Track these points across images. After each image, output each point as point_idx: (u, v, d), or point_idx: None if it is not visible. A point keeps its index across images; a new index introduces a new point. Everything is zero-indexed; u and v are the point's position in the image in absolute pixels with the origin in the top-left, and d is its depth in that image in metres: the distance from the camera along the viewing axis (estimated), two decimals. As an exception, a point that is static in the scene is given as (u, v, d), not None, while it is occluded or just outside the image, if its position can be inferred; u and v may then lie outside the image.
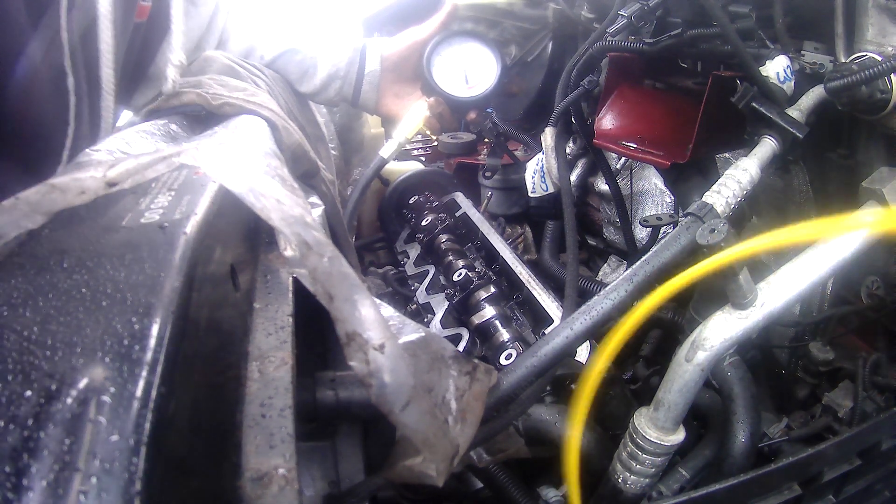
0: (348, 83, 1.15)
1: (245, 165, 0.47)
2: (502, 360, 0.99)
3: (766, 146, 0.81)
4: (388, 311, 0.56)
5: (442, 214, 1.46)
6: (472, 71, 1.25)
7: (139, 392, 0.31)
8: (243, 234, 0.57)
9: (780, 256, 1.10)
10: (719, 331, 0.70)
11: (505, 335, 1.05)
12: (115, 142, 0.59)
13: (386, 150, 1.28)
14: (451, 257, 1.30)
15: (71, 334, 0.34)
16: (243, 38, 1.06)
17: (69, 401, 0.30)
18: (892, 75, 0.75)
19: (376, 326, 0.42)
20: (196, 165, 0.46)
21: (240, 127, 0.69)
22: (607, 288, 0.69)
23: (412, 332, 0.54)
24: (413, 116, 1.23)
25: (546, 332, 1.06)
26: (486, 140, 1.66)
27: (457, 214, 1.48)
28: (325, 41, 1.12)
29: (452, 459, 0.49)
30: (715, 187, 0.77)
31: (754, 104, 0.82)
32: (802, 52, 0.92)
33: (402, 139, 1.26)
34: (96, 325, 0.34)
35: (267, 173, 0.49)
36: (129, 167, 0.43)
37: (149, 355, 0.32)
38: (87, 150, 0.56)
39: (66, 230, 0.43)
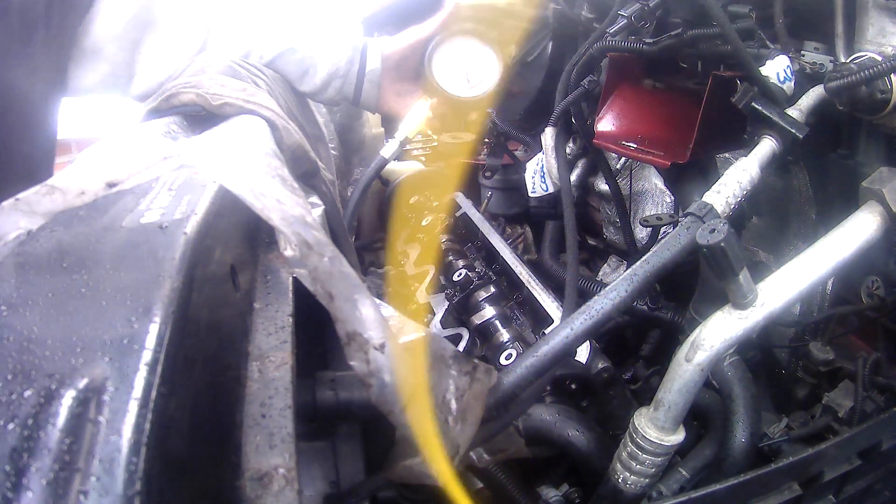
0: (349, 82, 1.15)
1: (245, 165, 0.47)
2: (502, 360, 0.99)
3: (766, 146, 0.81)
4: (388, 310, 0.56)
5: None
6: (474, 70, 1.25)
7: (139, 392, 0.31)
8: (243, 234, 0.57)
9: (780, 256, 1.11)
10: (719, 331, 0.70)
11: (505, 335, 1.05)
12: (115, 141, 0.59)
13: (387, 150, 1.28)
14: (451, 257, 1.30)
15: (71, 334, 0.34)
16: (241, 38, 1.06)
17: (69, 401, 0.30)
18: (892, 75, 0.75)
19: (377, 326, 0.42)
20: (196, 165, 0.46)
21: (240, 127, 0.69)
22: (607, 288, 0.69)
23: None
24: (415, 116, 1.23)
25: (546, 332, 1.06)
26: (486, 140, 1.66)
27: (457, 214, 1.48)
28: (325, 40, 1.12)
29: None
30: (715, 187, 0.77)
31: (754, 104, 0.82)
32: (802, 52, 0.92)
33: (403, 139, 1.26)
34: (96, 325, 0.34)
35: (267, 173, 0.49)
36: (129, 167, 0.43)
37: (149, 355, 0.32)
38: (85, 150, 0.56)
39: (66, 230, 0.43)
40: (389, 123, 1.76)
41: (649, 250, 0.73)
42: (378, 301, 0.54)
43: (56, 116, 0.90)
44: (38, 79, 0.72)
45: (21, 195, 0.43)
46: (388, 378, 0.42)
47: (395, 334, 0.51)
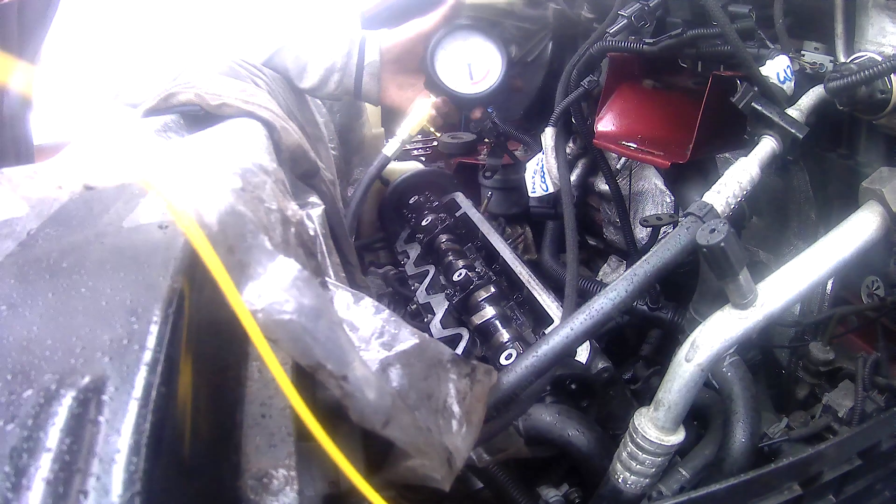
0: (348, 75, 1.15)
1: (211, 193, 0.45)
2: (502, 360, 0.99)
3: (766, 146, 0.81)
4: (384, 314, 0.55)
5: (442, 214, 1.46)
6: (477, 66, 1.24)
7: (139, 392, 0.31)
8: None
9: (780, 256, 1.11)
10: (719, 331, 0.70)
11: (505, 335, 1.05)
12: (103, 139, 0.58)
13: (389, 149, 1.27)
14: (451, 257, 1.30)
15: (71, 334, 0.34)
16: (237, 37, 1.06)
17: (69, 401, 0.30)
18: (892, 75, 0.75)
19: (335, 357, 0.40)
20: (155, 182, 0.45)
21: (230, 133, 0.68)
22: (607, 288, 0.69)
23: (407, 339, 0.53)
24: (416, 114, 1.23)
25: (546, 332, 1.06)
26: (486, 140, 1.66)
27: (457, 214, 1.48)
28: (321, 35, 1.12)
29: (449, 462, 0.49)
30: (715, 187, 0.77)
31: (754, 104, 0.82)
32: (802, 52, 0.92)
33: (405, 136, 1.26)
34: (96, 325, 0.34)
35: (241, 191, 0.47)
36: (107, 170, 0.43)
37: (149, 355, 0.32)
38: (76, 139, 0.56)
39: (66, 230, 0.43)
40: (390, 123, 1.76)
41: (649, 250, 0.73)
42: (374, 302, 0.54)
43: (28, 126, 0.96)
44: (11, 96, 0.76)
45: (6, 169, 0.43)
46: (366, 397, 0.41)
47: (388, 342, 0.51)
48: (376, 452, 0.59)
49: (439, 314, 1.16)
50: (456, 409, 0.51)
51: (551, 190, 1.29)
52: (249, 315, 0.35)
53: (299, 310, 0.39)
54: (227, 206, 0.40)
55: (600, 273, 1.49)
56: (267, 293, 0.38)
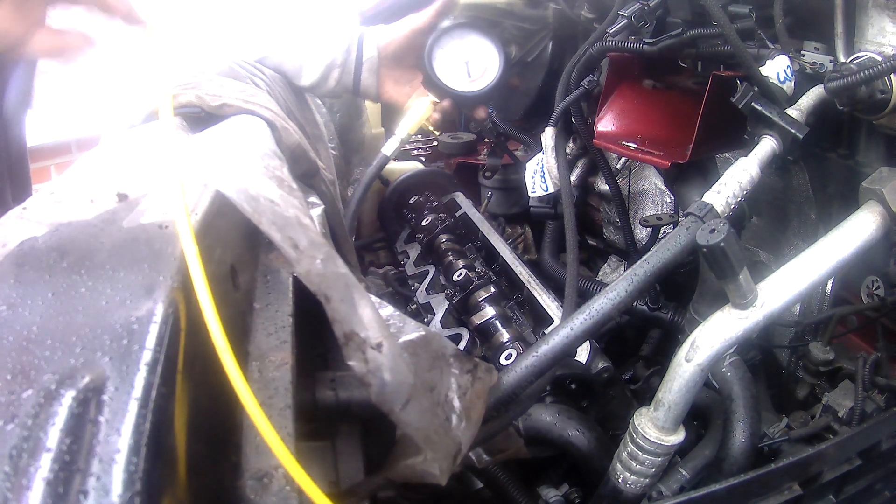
0: (347, 72, 1.15)
1: (239, 167, 0.47)
2: (502, 360, 0.99)
3: (766, 146, 0.81)
4: (388, 310, 0.56)
5: (442, 214, 1.46)
6: (474, 64, 1.24)
7: (139, 392, 0.31)
8: (243, 234, 0.57)
9: (780, 256, 1.11)
10: (719, 331, 0.70)
11: (505, 335, 1.05)
12: (117, 147, 0.59)
13: (388, 148, 1.27)
14: (451, 257, 1.30)
15: (71, 334, 0.34)
16: (236, 37, 1.06)
17: (69, 401, 0.30)
18: (892, 75, 0.75)
19: (374, 326, 0.41)
20: (190, 168, 0.46)
21: (239, 126, 0.69)
22: (607, 288, 0.69)
23: (412, 331, 0.54)
24: (415, 113, 1.23)
25: (546, 332, 1.06)
26: (486, 140, 1.66)
27: (457, 214, 1.48)
28: (320, 32, 1.12)
29: (455, 457, 0.49)
30: (715, 187, 0.77)
31: (754, 104, 0.82)
32: (802, 52, 0.92)
33: (403, 136, 1.26)
34: (96, 325, 0.34)
35: (263, 174, 0.49)
36: (136, 176, 0.43)
37: (149, 355, 0.32)
38: (87, 154, 0.56)
39: (67, 230, 0.43)
40: (390, 122, 1.76)
41: (649, 250, 0.73)
42: (378, 300, 0.54)
43: (24, 125, 0.99)
44: (10, 96, 0.79)
45: (28, 203, 0.43)
46: (388, 376, 0.42)
47: (394, 333, 0.51)
48: (376, 452, 0.59)
49: (439, 314, 1.16)
50: (456, 403, 0.51)
51: (551, 190, 1.29)
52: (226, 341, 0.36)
53: (347, 274, 0.41)
54: (252, 179, 0.42)
55: (600, 273, 1.49)
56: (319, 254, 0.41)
